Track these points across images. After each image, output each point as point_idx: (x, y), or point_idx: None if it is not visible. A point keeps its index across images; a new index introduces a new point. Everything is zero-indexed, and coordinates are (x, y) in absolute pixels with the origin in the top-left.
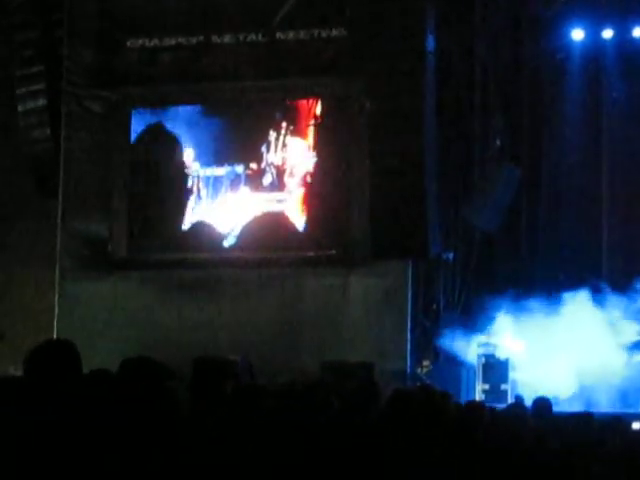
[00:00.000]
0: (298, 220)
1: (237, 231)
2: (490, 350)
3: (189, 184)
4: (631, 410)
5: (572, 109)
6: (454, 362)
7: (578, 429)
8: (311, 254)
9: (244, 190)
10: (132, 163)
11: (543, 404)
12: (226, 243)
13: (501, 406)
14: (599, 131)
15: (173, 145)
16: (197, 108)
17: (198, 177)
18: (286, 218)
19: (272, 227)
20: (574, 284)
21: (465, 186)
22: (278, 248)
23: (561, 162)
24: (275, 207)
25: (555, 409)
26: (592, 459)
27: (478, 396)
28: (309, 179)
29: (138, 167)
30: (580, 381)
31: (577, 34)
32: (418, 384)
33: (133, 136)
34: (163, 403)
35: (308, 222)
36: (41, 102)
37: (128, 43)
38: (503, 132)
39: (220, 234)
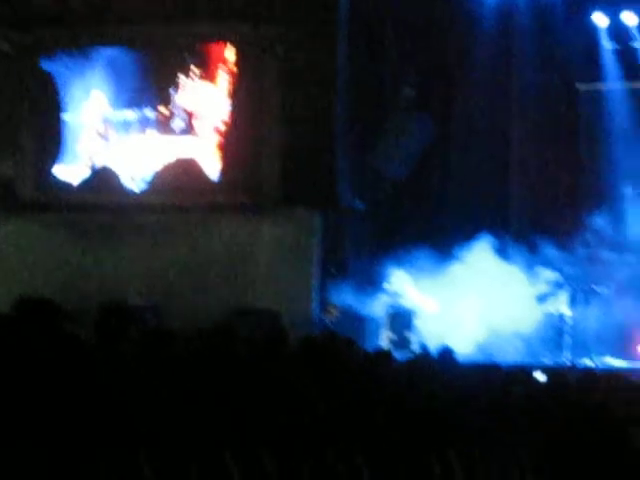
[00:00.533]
0: (210, 166)
1: (148, 176)
2: (397, 300)
3: (99, 127)
4: (536, 361)
5: (483, 58)
6: (361, 311)
7: (483, 379)
8: (222, 200)
9: (154, 134)
10: (38, 104)
11: (448, 354)
12: (136, 188)
13: (407, 355)
14: (509, 77)
15: (81, 88)
16: (108, 51)
17: (109, 120)
18: (197, 164)
19: (184, 173)
20: (482, 235)
21: (376, 136)
22: (189, 194)
23: (472, 111)
24: (186, 153)
25: (461, 359)
26: (496, 408)
27: (384, 345)
28: (221, 125)
29: (45, 109)
30: (486, 331)
31: None
32: (324, 332)
33: (42, 78)
34: (59, 343)
35: (220, 168)
36: None
37: None
38: (414, 82)
39: (130, 178)
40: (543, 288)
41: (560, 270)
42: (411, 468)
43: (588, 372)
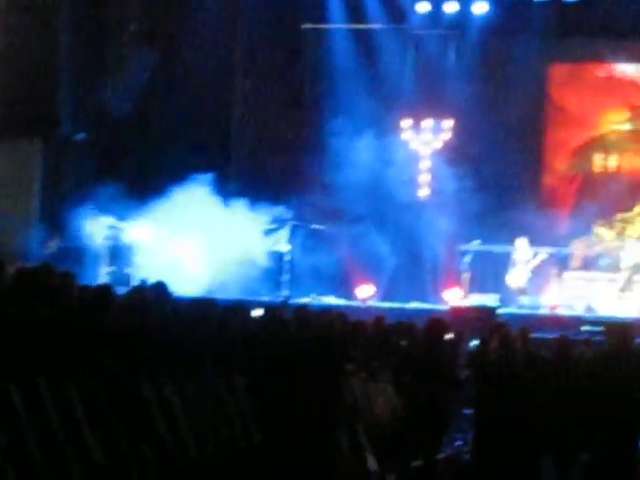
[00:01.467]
0: None
1: None
2: (116, 234)
3: None
4: (252, 297)
5: (204, 11)
6: (80, 244)
7: (200, 314)
8: None
9: None
10: None
11: (162, 288)
12: None
13: (124, 289)
14: (235, 16)
15: None
16: None
17: None
18: None
19: None
20: (203, 173)
21: (99, 70)
22: None
23: (197, 49)
24: None
25: (181, 294)
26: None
27: (103, 279)
28: None
29: None
30: (207, 268)
31: None
32: (40, 264)
33: None
34: None
35: None
36: None
37: None
38: (139, 17)
39: None
40: (263, 227)
41: (280, 210)
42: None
43: (305, 309)
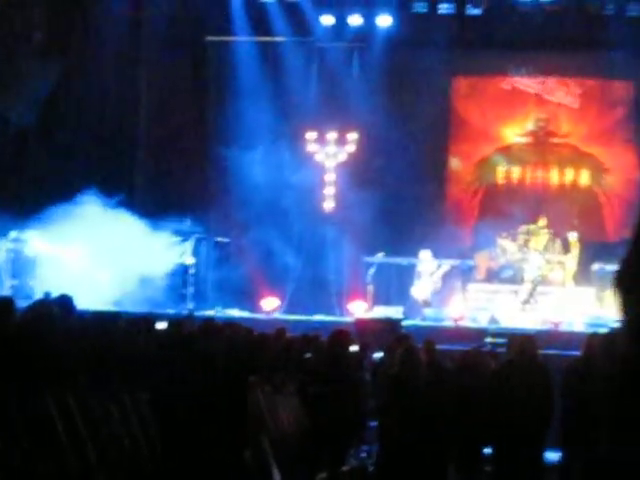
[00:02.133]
0: None
1: None
2: (20, 246)
3: None
4: (158, 310)
5: (115, 9)
6: None
7: (104, 327)
8: None
9: None
10: None
11: (66, 301)
12: None
13: (28, 302)
14: (138, 29)
15: None
16: None
17: None
18: None
19: None
20: (108, 186)
21: (2, 81)
22: None
23: (101, 58)
24: None
25: (85, 307)
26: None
27: (6, 292)
28: None
29: None
30: (113, 281)
31: None
32: None
33: None
34: None
35: None
36: None
37: None
38: (43, 27)
39: None
40: (167, 240)
41: (184, 223)
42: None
43: (209, 322)
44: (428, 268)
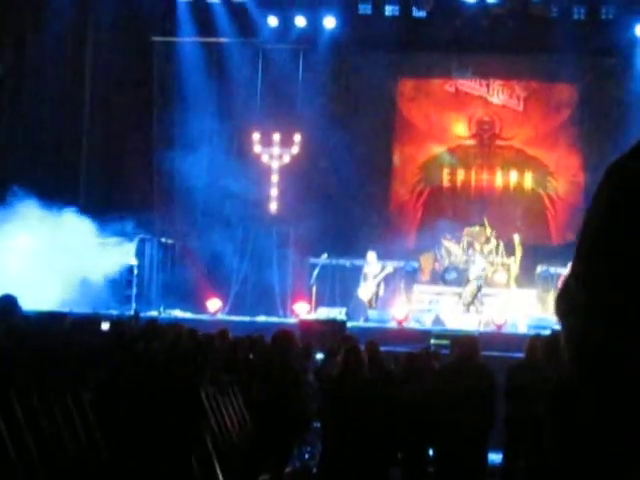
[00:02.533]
0: None
1: None
2: None
3: None
4: (101, 311)
5: (58, 10)
6: None
7: (49, 328)
8: None
9: None
10: None
11: (10, 302)
12: None
13: None
14: (84, 31)
15: None
16: None
17: None
18: None
19: None
20: (49, 184)
21: None
22: None
23: (45, 65)
24: None
25: (29, 308)
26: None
27: None
28: None
29: None
30: (54, 281)
31: None
32: None
33: None
34: None
35: None
36: None
37: None
38: None
39: None
40: (110, 241)
41: (128, 224)
42: None
43: (153, 322)
44: (373, 269)
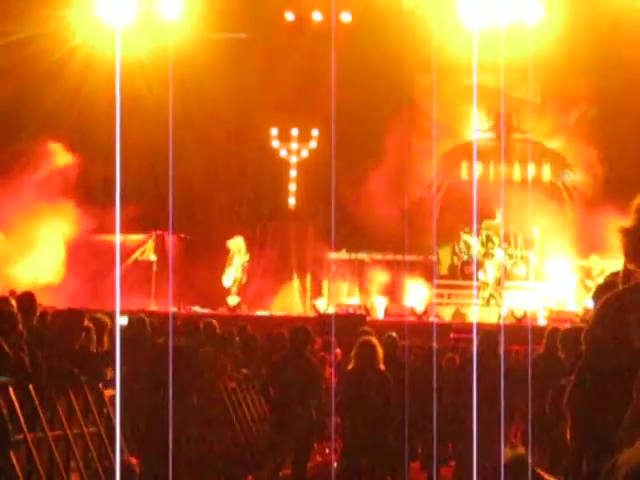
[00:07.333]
0: None
1: None
2: None
3: None
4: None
5: None
6: None
7: (67, 324)
8: None
9: None
10: None
11: (28, 299)
12: None
13: None
14: None
15: None
16: None
17: None
18: None
19: None
20: None
21: None
22: None
23: None
24: None
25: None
26: None
27: None
28: None
29: None
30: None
31: None
32: None
33: None
34: None
35: None
36: None
37: None
38: None
39: None
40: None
41: (148, 219)
42: None
43: (173, 319)
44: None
